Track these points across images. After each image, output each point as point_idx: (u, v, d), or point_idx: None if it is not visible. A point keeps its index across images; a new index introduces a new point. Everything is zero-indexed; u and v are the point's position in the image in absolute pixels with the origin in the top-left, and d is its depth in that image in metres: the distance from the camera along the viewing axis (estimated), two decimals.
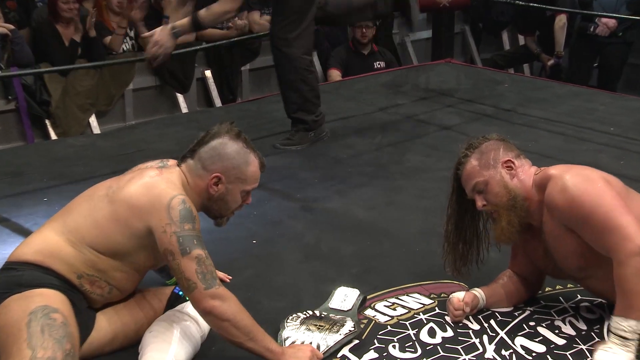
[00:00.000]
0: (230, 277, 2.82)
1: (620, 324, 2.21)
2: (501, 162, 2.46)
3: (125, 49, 5.68)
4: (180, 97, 6.03)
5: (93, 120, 5.50)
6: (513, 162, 2.46)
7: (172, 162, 2.39)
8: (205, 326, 2.35)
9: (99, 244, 2.22)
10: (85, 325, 2.23)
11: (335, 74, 6.33)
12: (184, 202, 2.17)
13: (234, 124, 2.34)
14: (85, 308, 2.25)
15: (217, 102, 6.15)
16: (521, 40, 7.37)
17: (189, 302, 2.37)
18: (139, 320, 2.36)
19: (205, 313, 2.16)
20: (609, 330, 2.27)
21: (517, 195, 2.43)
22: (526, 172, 2.47)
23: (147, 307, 2.40)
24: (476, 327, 2.54)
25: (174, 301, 2.42)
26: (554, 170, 2.41)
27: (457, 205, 2.57)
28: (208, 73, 6.21)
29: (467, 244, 2.59)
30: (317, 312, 2.56)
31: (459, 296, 2.57)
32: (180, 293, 2.43)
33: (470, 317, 2.58)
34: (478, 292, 2.60)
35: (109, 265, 2.24)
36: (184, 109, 5.98)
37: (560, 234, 2.38)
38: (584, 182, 2.30)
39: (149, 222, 2.17)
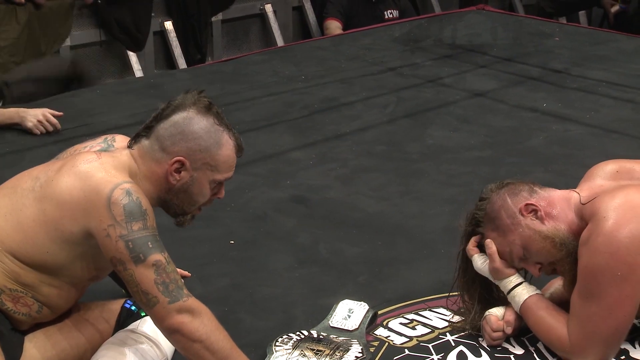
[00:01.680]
0: (189, 274, 2.81)
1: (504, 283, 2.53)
2: (519, 212, 2.48)
3: None
4: (132, 57, 6.03)
5: None
6: (532, 204, 2.48)
7: (120, 141, 2.38)
8: (167, 350, 2.36)
9: (23, 251, 2.21)
10: (11, 353, 2.23)
11: (335, 26, 6.33)
12: (129, 192, 2.16)
13: (204, 93, 2.33)
14: (8, 330, 2.25)
15: (181, 62, 6.15)
16: None
17: (145, 320, 2.39)
18: (80, 346, 2.36)
19: (171, 332, 2.16)
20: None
21: (563, 239, 2.45)
22: (558, 203, 2.49)
23: (89, 328, 2.39)
24: (519, 351, 2.55)
25: (126, 319, 2.42)
26: (602, 203, 2.39)
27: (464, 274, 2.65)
28: (169, 25, 6.20)
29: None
30: (314, 333, 2.58)
31: (497, 314, 2.57)
32: (133, 308, 2.43)
33: (512, 339, 2.59)
34: None
35: (37, 279, 2.24)
36: (137, 71, 5.98)
37: None
38: (608, 258, 2.33)
39: (85, 224, 2.17)
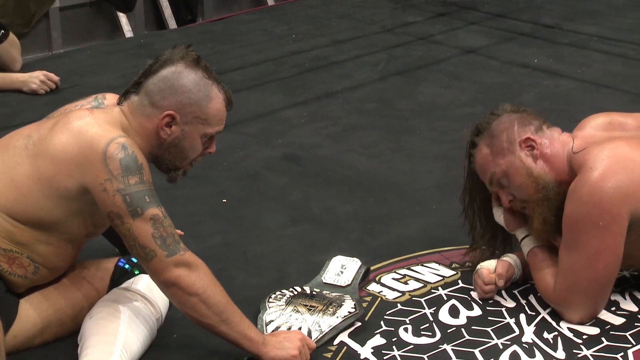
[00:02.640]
0: (182, 232, 2.82)
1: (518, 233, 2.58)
2: (518, 142, 2.48)
3: None
4: (123, 18, 5.97)
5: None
6: (533, 140, 2.48)
7: (110, 99, 2.38)
8: (161, 306, 2.37)
9: (17, 209, 2.22)
10: (5, 314, 2.23)
11: None
12: (125, 146, 2.16)
13: (191, 48, 2.33)
14: (3, 292, 2.26)
15: (172, 23, 6.10)
16: None
17: (138, 278, 2.40)
18: (76, 304, 2.38)
19: (168, 285, 2.17)
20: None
21: (547, 183, 2.46)
22: (556, 147, 2.49)
23: (86, 286, 2.41)
24: (511, 304, 2.57)
25: (120, 277, 2.43)
26: (593, 159, 2.39)
27: (478, 209, 2.66)
28: None
29: (494, 240, 2.68)
30: (307, 289, 2.59)
31: (489, 266, 2.59)
32: (127, 266, 2.44)
33: (504, 292, 2.61)
34: (513, 259, 2.63)
35: (32, 237, 2.24)
36: (128, 32, 5.93)
37: None
38: (592, 208, 2.34)
39: (81, 180, 2.17)
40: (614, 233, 2.37)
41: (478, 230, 2.69)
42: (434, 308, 2.55)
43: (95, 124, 2.20)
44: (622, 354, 2.34)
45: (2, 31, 4.29)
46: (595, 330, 2.44)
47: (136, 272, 2.43)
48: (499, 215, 2.62)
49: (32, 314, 2.31)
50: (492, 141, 2.51)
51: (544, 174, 2.47)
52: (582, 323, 2.45)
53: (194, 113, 2.27)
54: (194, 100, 2.27)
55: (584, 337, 2.41)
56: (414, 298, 2.60)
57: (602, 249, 2.38)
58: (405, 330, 2.46)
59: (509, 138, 2.49)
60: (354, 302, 2.52)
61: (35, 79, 4.22)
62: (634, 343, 2.38)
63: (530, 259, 2.55)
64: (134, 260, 2.43)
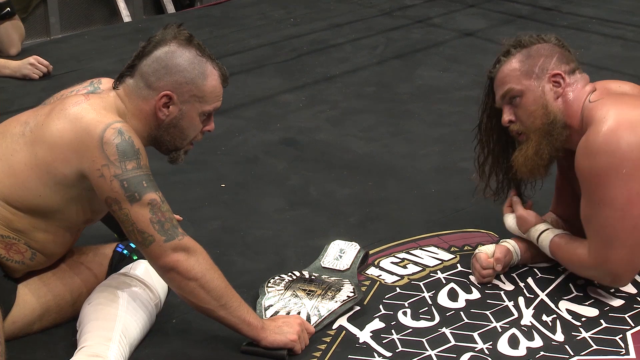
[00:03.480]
0: (180, 218, 2.82)
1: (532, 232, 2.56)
2: (549, 74, 2.46)
3: None
4: (120, 3, 5.97)
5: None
6: (563, 78, 2.46)
7: (105, 83, 2.36)
8: (160, 292, 2.37)
9: (15, 196, 2.21)
10: (4, 299, 2.23)
11: None
12: (121, 131, 2.15)
13: (183, 27, 2.31)
14: (1, 277, 2.25)
15: (170, 7, 6.10)
16: None
17: (137, 263, 2.40)
18: (75, 289, 2.37)
19: (167, 270, 2.17)
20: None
21: (556, 120, 2.44)
22: (578, 93, 2.47)
23: (85, 272, 2.40)
24: (509, 287, 2.57)
25: (118, 262, 2.43)
26: (604, 109, 2.38)
27: (491, 115, 2.59)
28: None
29: (499, 168, 2.62)
30: (305, 274, 2.59)
31: (487, 251, 2.58)
32: (125, 252, 2.44)
33: (502, 275, 2.61)
34: (511, 244, 2.62)
35: (30, 224, 2.24)
36: (126, 17, 5.92)
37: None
38: (612, 157, 2.30)
39: (78, 166, 2.16)
40: (639, 179, 2.32)
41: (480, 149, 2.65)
42: (433, 292, 2.55)
43: (91, 110, 2.19)
44: (620, 335, 2.34)
45: (8, 9, 4.28)
46: (594, 312, 2.44)
47: (134, 258, 2.42)
48: (510, 221, 2.62)
49: (30, 299, 2.31)
50: (526, 59, 2.48)
51: (558, 112, 2.45)
52: (625, 282, 2.43)
53: (190, 92, 2.26)
54: (190, 78, 2.26)
55: (583, 319, 2.41)
56: (412, 282, 2.60)
57: (632, 197, 2.32)
58: (404, 314, 2.46)
59: (543, 65, 2.47)
60: (352, 287, 2.51)
61: (27, 63, 4.19)
62: (633, 325, 2.38)
63: (553, 249, 2.52)
64: (133, 245, 2.42)
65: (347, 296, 2.47)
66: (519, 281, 2.59)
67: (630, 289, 2.54)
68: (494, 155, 2.63)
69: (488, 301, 2.50)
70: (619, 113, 2.37)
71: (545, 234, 2.53)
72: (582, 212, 2.42)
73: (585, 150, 2.36)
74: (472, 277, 2.60)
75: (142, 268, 2.38)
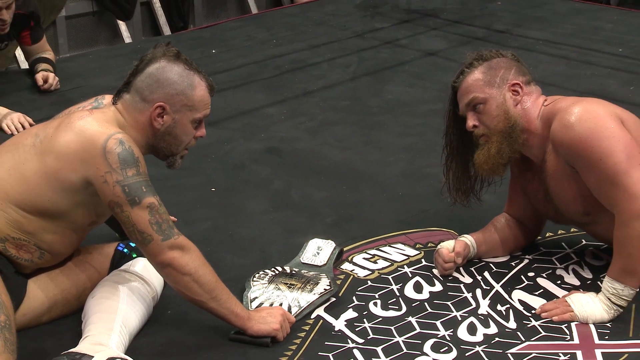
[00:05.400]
0: (175, 219, 2.80)
1: (609, 285, 2.31)
2: (509, 83, 2.45)
3: None
4: (122, 25, 5.92)
5: (19, 53, 5.38)
6: (521, 87, 2.46)
7: (108, 99, 2.35)
8: (156, 286, 2.35)
9: (26, 201, 2.19)
10: (15, 294, 2.20)
11: None
12: (122, 142, 2.14)
13: (171, 45, 2.30)
14: (12, 273, 2.23)
15: (166, 30, 6.06)
16: None
17: (136, 260, 2.37)
18: (80, 284, 2.35)
19: (164, 266, 2.15)
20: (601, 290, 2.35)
21: (516, 124, 2.43)
22: (534, 101, 2.46)
23: (89, 268, 2.38)
24: (468, 280, 2.55)
25: (119, 260, 2.40)
26: (563, 102, 2.40)
27: (455, 122, 2.57)
28: None
29: (465, 169, 2.60)
30: (287, 269, 2.56)
31: (447, 246, 2.57)
32: (126, 250, 2.41)
33: (461, 269, 2.60)
34: (468, 239, 2.61)
35: (39, 227, 2.21)
36: (127, 38, 5.88)
37: (563, 174, 2.39)
38: (594, 121, 2.29)
39: (84, 173, 2.14)
40: (627, 134, 2.28)
41: (448, 153, 2.62)
42: (400, 284, 2.54)
43: (95, 123, 2.17)
44: (566, 325, 2.33)
45: (6, 42, 4.16)
46: (542, 303, 2.43)
47: (134, 256, 2.40)
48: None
49: (39, 294, 2.28)
50: (488, 71, 2.47)
51: (518, 117, 2.44)
52: None
53: (181, 102, 2.25)
54: (180, 90, 2.24)
55: (532, 311, 2.40)
56: (382, 275, 2.59)
57: (627, 141, 2.26)
58: (375, 304, 2.44)
59: (503, 76, 2.46)
60: (329, 280, 2.49)
61: (8, 116, 3.62)
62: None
63: (614, 267, 2.30)
64: (132, 244, 2.40)
65: (324, 289, 2.45)
66: (476, 274, 2.58)
67: (574, 281, 2.54)
68: (457, 159, 2.61)
69: (449, 293, 2.49)
70: (578, 99, 2.39)
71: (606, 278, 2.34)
72: (592, 187, 2.31)
73: (566, 126, 2.31)
74: (435, 271, 2.59)
75: (140, 265, 2.35)
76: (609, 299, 2.31)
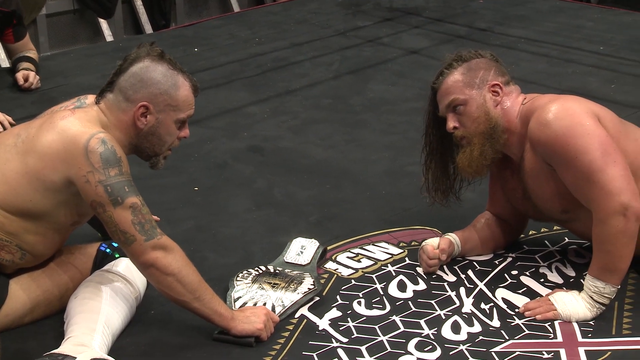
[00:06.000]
0: (158, 218, 2.78)
1: (591, 283, 2.32)
2: (489, 84, 2.45)
3: None
4: (103, 24, 5.89)
5: (0, 51, 5.34)
6: (501, 88, 2.45)
7: (90, 98, 2.33)
8: (139, 286, 2.33)
9: (7, 202, 2.16)
10: None
11: None
12: (104, 141, 2.12)
13: (155, 45, 2.28)
14: None
15: (148, 28, 6.03)
16: None
17: (118, 260, 2.36)
18: (62, 285, 2.33)
19: (147, 266, 2.14)
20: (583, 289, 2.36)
21: (497, 125, 2.43)
22: (513, 101, 2.46)
23: (71, 269, 2.36)
24: (452, 278, 2.55)
25: (101, 260, 2.38)
26: (541, 100, 2.41)
27: (434, 123, 2.56)
28: None
29: (445, 169, 2.60)
30: (270, 268, 2.55)
31: (432, 243, 2.57)
32: (108, 250, 2.40)
33: (445, 268, 2.59)
34: (453, 237, 2.61)
35: (21, 227, 2.19)
36: (108, 37, 5.85)
37: (541, 172, 2.40)
38: (570, 119, 2.30)
39: (66, 173, 2.12)
40: (602, 130, 2.29)
41: (427, 152, 2.61)
42: (384, 283, 2.53)
43: (77, 122, 2.15)
44: (549, 323, 2.33)
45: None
46: (526, 300, 2.44)
47: (117, 256, 2.38)
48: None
49: (21, 295, 2.26)
50: (468, 72, 2.46)
51: (498, 118, 2.43)
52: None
53: (165, 101, 2.23)
54: (164, 89, 2.22)
55: (516, 310, 2.40)
56: (366, 274, 2.58)
57: (602, 138, 2.27)
58: (359, 303, 2.44)
59: (483, 77, 2.45)
60: (312, 279, 2.49)
61: None
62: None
63: (595, 265, 2.31)
64: (115, 244, 2.38)
65: (308, 288, 2.44)
66: (460, 273, 2.58)
67: (557, 279, 2.54)
68: (437, 159, 2.61)
69: (433, 291, 2.49)
70: (555, 97, 2.40)
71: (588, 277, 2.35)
72: (569, 185, 2.32)
73: (543, 124, 2.32)
74: (419, 269, 2.59)
75: (123, 265, 2.34)
76: (591, 297, 2.32)
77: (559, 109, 2.32)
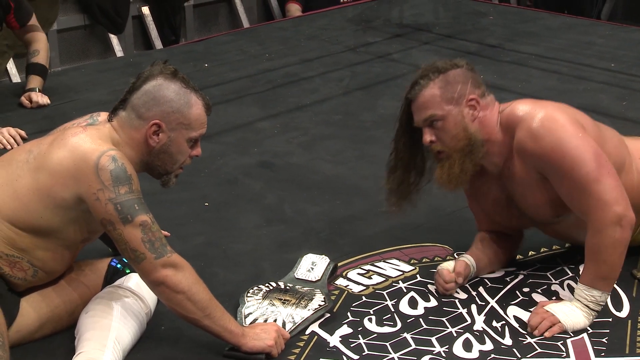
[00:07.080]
0: (168, 234, 2.78)
1: (586, 293, 2.34)
2: (467, 98, 2.42)
3: None
4: (114, 39, 5.92)
5: (11, 66, 5.36)
6: (478, 102, 2.44)
7: (103, 116, 2.33)
8: (150, 302, 2.33)
9: (18, 218, 2.17)
10: (8, 311, 2.19)
11: (295, 9, 6.25)
12: (115, 159, 2.12)
13: (168, 63, 2.29)
14: (5, 291, 2.21)
15: (158, 43, 6.06)
16: None
17: (129, 276, 2.36)
18: (72, 302, 2.33)
19: (157, 284, 2.14)
20: (574, 298, 2.38)
21: (476, 140, 2.41)
22: (490, 112, 2.45)
23: (81, 286, 2.36)
24: (463, 295, 2.54)
25: (112, 275, 2.38)
26: (522, 107, 2.40)
27: (406, 132, 2.54)
28: (146, 10, 6.09)
29: (408, 177, 2.58)
30: (281, 284, 2.55)
31: (448, 267, 2.55)
32: (119, 266, 2.40)
33: None
34: (468, 259, 2.58)
35: (32, 243, 2.19)
36: (118, 52, 5.87)
37: (532, 181, 2.40)
38: (562, 130, 2.30)
39: (76, 190, 2.13)
40: (593, 141, 2.31)
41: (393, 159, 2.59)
42: (395, 300, 2.52)
43: (88, 140, 2.16)
44: (562, 342, 2.32)
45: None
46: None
47: (127, 271, 2.38)
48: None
49: (31, 312, 2.27)
50: (445, 86, 2.42)
51: (476, 133, 2.41)
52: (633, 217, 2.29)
53: (177, 120, 2.23)
54: (176, 108, 2.22)
55: (528, 328, 2.38)
56: (377, 291, 2.58)
57: (596, 149, 2.29)
58: (370, 320, 2.43)
59: (461, 91, 2.42)
60: (323, 296, 2.48)
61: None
62: (572, 334, 2.35)
63: (589, 274, 2.34)
64: (126, 260, 2.38)
65: (319, 305, 2.44)
66: (471, 290, 2.57)
67: (568, 296, 2.52)
68: (403, 166, 2.58)
69: (444, 308, 2.48)
70: (534, 103, 2.40)
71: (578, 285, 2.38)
72: (563, 195, 2.34)
73: (535, 136, 2.32)
74: (430, 286, 2.58)
75: (133, 280, 2.34)
76: (587, 306, 2.34)
77: (546, 118, 2.32)
